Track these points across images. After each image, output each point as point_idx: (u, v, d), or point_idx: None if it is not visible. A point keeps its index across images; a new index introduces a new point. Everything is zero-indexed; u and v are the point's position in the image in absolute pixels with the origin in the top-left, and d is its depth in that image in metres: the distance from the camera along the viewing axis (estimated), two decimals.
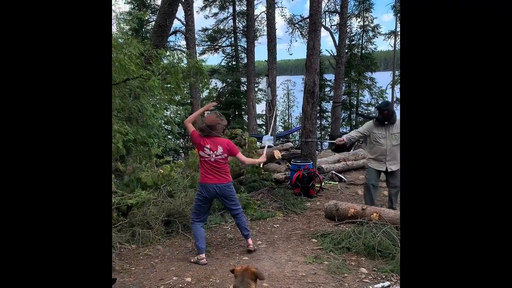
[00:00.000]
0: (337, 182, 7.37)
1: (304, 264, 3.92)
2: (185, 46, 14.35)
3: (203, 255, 4.02)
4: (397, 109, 18.87)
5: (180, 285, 3.59)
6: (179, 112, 11.85)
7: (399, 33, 17.43)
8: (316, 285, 3.46)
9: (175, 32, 15.93)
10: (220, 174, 4.03)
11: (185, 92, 10.74)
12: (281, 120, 27.44)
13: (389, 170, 5.16)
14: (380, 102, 5.44)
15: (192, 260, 4.06)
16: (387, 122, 5.11)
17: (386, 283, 3.39)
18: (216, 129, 4.02)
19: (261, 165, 6.89)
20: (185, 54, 6.84)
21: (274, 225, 5.22)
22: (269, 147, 8.94)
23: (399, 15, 16.13)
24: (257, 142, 8.02)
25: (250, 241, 4.30)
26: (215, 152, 3.99)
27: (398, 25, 17.63)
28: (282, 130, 22.57)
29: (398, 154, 5.04)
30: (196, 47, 15.94)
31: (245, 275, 2.51)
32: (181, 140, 16.57)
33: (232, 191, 4.18)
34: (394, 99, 18.25)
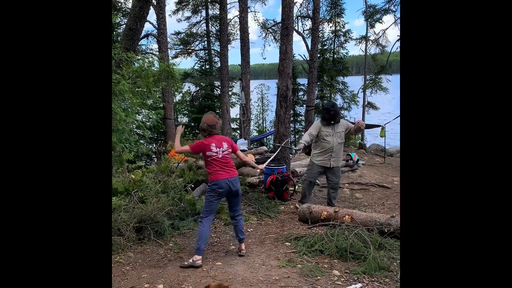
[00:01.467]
0: None
1: (277, 268, 3.92)
2: (157, 49, 14.18)
3: (200, 257, 4.04)
4: (368, 113, 19.03)
5: None
6: (150, 116, 11.67)
7: (369, 38, 17.82)
8: None
9: (147, 36, 15.72)
10: (229, 168, 4.19)
11: (157, 96, 10.60)
12: (255, 124, 27.49)
13: (332, 166, 5.62)
14: (326, 103, 5.95)
15: (186, 263, 4.03)
16: (333, 122, 5.60)
17: (358, 285, 3.43)
18: (216, 127, 4.19)
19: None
20: (156, 58, 6.74)
21: (248, 229, 5.20)
22: (243, 151, 8.93)
23: (369, 20, 16.47)
24: None
25: (243, 245, 4.36)
26: (222, 148, 4.15)
27: (369, 30, 17.98)
28: (256, 134, 22.61)
29: (341, 151, 5.71)
30: (169, 51, 15.79)
31: None
32: (154, 144, 16.34)
33: (239, 184, 4.36)
34: (365, 103, 18.59)
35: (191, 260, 4.03)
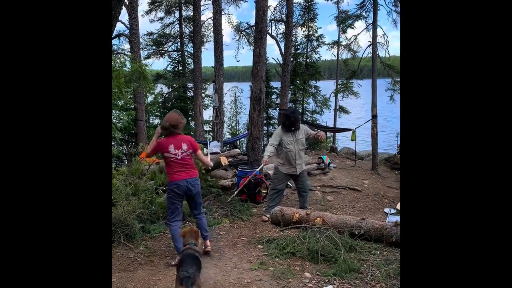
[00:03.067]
0: None
1: (249, 270, 3.92)
2: (129, 50, 13.93)
3: None
4: (340, 117, 19.33)
5: None
6: (121, 117, 11.44)
7: (341, 43, 18.13)
8: None
9: (118, 36, 15.40)
10: (188, 169, 4.12)
11: (128, 97, 10.40)
12: (229, 126, 27.40)
13: (299, 173, 5.62)
14: (287, 109, 5.86)
15: (174, 263, 3.99)
16: (293, 128, 5.57)
17: (329, 287, 3.47)
18: (178, 127, 4.11)
19: (207, 172, 6.83)
20: (128, 58, 6.61)
21: (220, 232, 5.18)
22: (216, 153, 8.89)
23: (341, 25, 16.75)
24: (204, 149, 7.94)
25: (208, 242, 4.34)
26: (180, 149, 4.08)
27: (341, 35, 18.28)
28: (230, 137, 22.55)
29: (303, 156, 5.73)
30: (141, 51, 15.53)
31: (192, 234, 3.26)
32: (124, 146, 16.02)
33: (200, 186, 4.31)
34: (337, 107, 18.88)
35: (175, 262, 3.96)
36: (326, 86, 20.88)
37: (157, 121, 21.36)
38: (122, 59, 5.70)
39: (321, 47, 19.51)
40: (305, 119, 19.80)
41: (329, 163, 9.70)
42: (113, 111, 10.66)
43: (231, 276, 3.80)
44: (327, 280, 3.67)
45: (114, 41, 15.42)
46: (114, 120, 10.67)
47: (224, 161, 7.55)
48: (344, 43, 17.81)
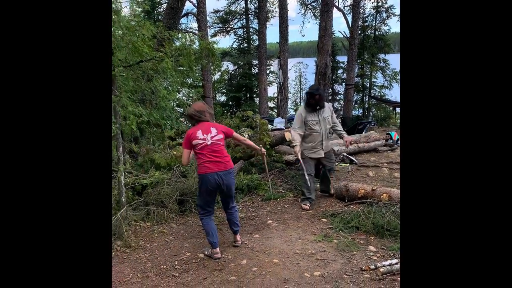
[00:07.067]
0: (348, 164, 7.41)
1: (313, 242, 4.02)
2: (197, 28, 14.31)
3: (217, 249, 3.77)
4: None
5: (194, 261, 3.73)
6: (190, 94, 11.91)
7: None
8: (325, 262, 3.56)
9: (186, 14, 15.86)
10: (220, 159, 3.68)
11: (196, 74, 10.77)
12: (293, 102, 27.34)
13: (324, 155, 5.18)
14: (310, 87, 5.08)
15: (206, 253, 3.85)
16: (318, 107, 5.07)
17: (394, 261, 3.47)
18: (204, 114, 3.76)
19: (272, 147, 6.94)
20: (196, 37, 6.84)
21: (285, 205, 5.32)
22: (280, 129, 9.00)
23: None
24: (269, 125, 8.07)
25: (238, 236, 4.06)
26: (210, 134, 3.68)
27: None
28: (294, 113, 22.54)
29: (329, 136, 5.25)
30: (208, 29, 15.89)
31: None
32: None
33: (234, 180, 3.92)
34: None
35: (210, 251, 3.82)
36: (396, 60, 19.92)
37: (223, 98, 21.89)
38: (192, 37, 5.93)
39: (390, 18, 18.61)
40: (372, 94, 19.18)
41: (398, 140, 9.39)
42: (183, 89, 11.14)
43: (296, 246, 3.93)
44: (392, 254, 3.66)
45: (182, 20, 15.89)
46: (183, 98, 11.17)
47: (288, 136, 7.62)
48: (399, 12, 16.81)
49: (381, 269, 3.28)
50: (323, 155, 5.19)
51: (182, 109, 10.28)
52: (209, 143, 3.65)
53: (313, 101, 5.06)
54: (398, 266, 3.32)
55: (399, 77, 18.64)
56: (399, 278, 3.21)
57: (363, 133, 10.45)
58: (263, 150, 4.61)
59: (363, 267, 3.40)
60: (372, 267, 3.37)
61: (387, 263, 3.41)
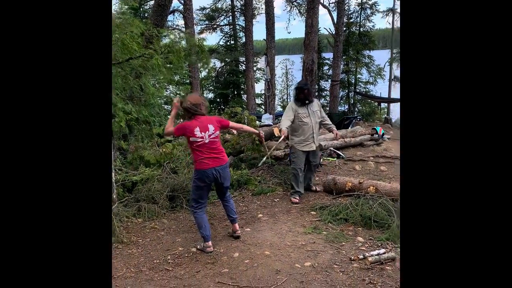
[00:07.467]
0: (335, 159, 7.53)
1: (303, 234, 4.11)
2: (183, 25, 14.28)
3: (210, 243, 3.82)
4: (396, 87, 18.70)
5: (186, 255, 3.79)
6: (178, 92, 11.91)
7: (397, 10, 17.35)
8: (315, 253, 3.65)
9: (173, 12, 15.81)
10: (217, 155, 3.78)
11: (184, 72, 10.77)
12: (280, 99, 27.46)
13: (314, 148, 5.32)
14: (299, 81, 5.19)
15: (199, 247, 3.88)
16: (307, 101, 5.24)
17: (382, 250, 3.58)
18: (200, 107, 3.77)
19: (261, 143, 7.02)
20: (183, 34, 6.85)
21: (275, 200, 5.40)
22: (268, 125, 9.08)
23: None
24: (257, 121, 8.15)
25: (236, 226, 4.11)
26: (207, 132, 3.72)
27: (396, 2, 17.52)
28: (281, 109, 22.65)
29: (318, 130, 5.41)
30: (194, 27, 15.86)
31: None
32: (181, 119, 16.63)
33: (229, 173, 4.01)
34: (392, 77, 18.27)
35: (202, 245, 3.85)
36: (381, 56, 20.19)
37: (210, 95, 21.88)
38: (181, 34, 5.95)
39: (375, 15, 18.86)
40: (357, 90, 19.40)
41: (383, 134, 9.57)
42: (170, 86, 11.13)
43: (286, 238, 4.02)
44: (379, 244, 3.78)
45: (169, 17, 15.83)
46: (171, 95, 11.16)
47: (276, 132, 7.70)
48: (399, 10, 17.03)
49: (370, 259, 3.39)
50: (314, 149, 5.31)
51: (170, 106, 10.29)
52: (207, 141, 3.72)
53: (302, 95, 5.24)
54: (385, 255, 3.44)
55: (383, 73, 18.95)
56: (387, 267, 3.33)
57: (349, 128, 10.59)
58: (262, 132, 4.73)
59: (352, 257, 3.51)
60: (361, 257, 3.48)
61: (375, 252, 3.52)
